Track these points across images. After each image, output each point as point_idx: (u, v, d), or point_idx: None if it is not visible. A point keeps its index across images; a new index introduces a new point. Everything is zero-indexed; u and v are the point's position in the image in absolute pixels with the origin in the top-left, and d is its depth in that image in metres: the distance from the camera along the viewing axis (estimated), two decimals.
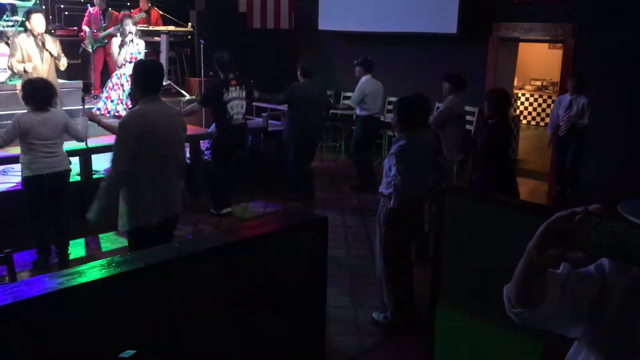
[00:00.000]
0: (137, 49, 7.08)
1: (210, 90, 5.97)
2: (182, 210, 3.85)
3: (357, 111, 7.47)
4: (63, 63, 6.66)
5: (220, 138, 6.13)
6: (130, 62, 7.06)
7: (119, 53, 6.94)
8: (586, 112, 6.71)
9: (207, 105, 6.30)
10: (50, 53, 6.45)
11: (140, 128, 3.45)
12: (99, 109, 6.95)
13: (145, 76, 3.56)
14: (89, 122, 5.81)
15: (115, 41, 7.01)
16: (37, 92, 4.57)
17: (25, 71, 6.31)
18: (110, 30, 8.68)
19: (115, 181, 3.50)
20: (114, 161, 3.49)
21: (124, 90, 6.98)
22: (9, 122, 6.36)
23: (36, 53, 6.38)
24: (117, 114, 6.97)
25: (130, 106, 6.98)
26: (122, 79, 7.01)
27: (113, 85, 7.03)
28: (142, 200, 3.53)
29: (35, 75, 6.34)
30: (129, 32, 6.97)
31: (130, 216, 3.56)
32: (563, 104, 6.92)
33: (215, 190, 6.33)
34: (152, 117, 3.50)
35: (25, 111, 4.66)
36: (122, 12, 8.49)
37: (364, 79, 7.26)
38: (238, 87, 5.99)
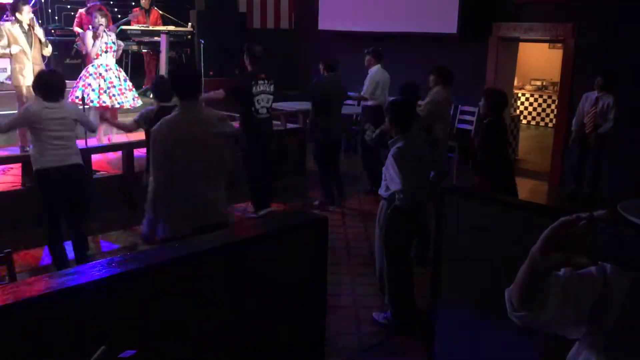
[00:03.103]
0: (110, 39, 7.11)
1: (239, 81, 5.79)
2: (224, 218, 3.65)
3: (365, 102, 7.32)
4: (48, 50, 6.92)
5: (246, 133, 5.86)
6: (106, 51, 7.05)
7: (93, 45, 6.98)
8: (611, 110, 6.63)
9: (234, 96, 5.89)
10: (39, 39, 6.66)
11: (169, 138, 3.35)
12: (76, 97, 6.91)
13: (177, 81, 3.48)
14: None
15: (89, 34, 7.04)
16: (49, 82, 4.51)
17: (10, 54, 6.48)
18: (124, 21, 8.84)
19: (157, 190, 3.44)
20: (153, 170, 3.41)
21: (104, 79, 6.99)
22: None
23: (23, 38, 6.55)
24: (103, 104, 6.94)
25: (114, 94, 6.99)
26: (99, 69, 7.01)
27: (91, 74, 7.02)
28: (174, 211, 3.45)
29: (22, 60, 6.47)
30: (99, 25, 7.00)
31: (164, 224, 3.48)
32: (589, 100, 6.86)
33: (253, 190, 6.05)
34: (185, 126, 3.38)
35: (35, 101, 4.60)
36: (91, 4, 8.50)
37: (374, 69, 7.11)
38: (266, 81, 5.80)
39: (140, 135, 5.74)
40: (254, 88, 5.71)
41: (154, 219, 3.49)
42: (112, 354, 1.50)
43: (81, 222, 4.84)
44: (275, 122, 8.08)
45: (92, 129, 5.12)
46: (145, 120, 5.02)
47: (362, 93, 7.21)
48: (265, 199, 6.14)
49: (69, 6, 9.88)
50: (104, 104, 6.94)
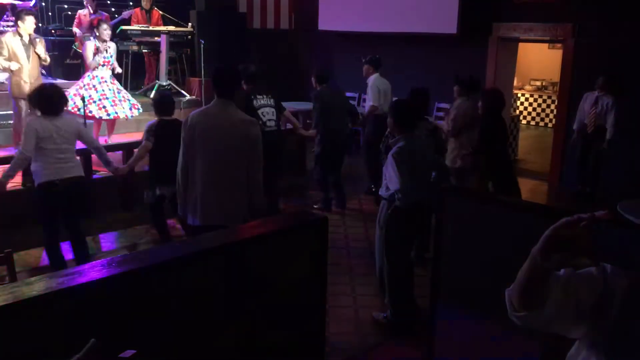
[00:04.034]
0: (109, 52, 7.09)
1: (239, 97, 5.80)
2: (235, 223, 3.59)
3: (367, 109, 7.28)
4: (47, 60, 6.90)
5: None
6: (103, 65, 7.03)
7: (93, 57, 6.95)
8: (610, 111, 6.64)
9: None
10: (38, 55, 6.62)
11: (192, 127, 3.55)
12: (70, 107, 6.91)
13: (217, 81, 3.67)
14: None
15: (90, 45, 6.99)
16: (50, 97, 4.52)
17: (10, 69, 6.43)
18: (118, 19, 8.84)
19: (179, 176, 3.68)
20: (180, 155, 3.67)
21: (96, 91, 6.97)
22: (9, 122, 6.35)
23: (22, 52, 6.52)
24: (89, 114, 6.90)
25: (104, 105, 6.96)
26: (94, 81, 7.00)
27: (84, 85, 6.99)
28: (194, 198, 3.60)
29: (20, 73, 6.46)
30: (104, 40, 6.96)
31: (187, 210, 3.68)
32: (589, 101, 6.88)
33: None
34: (213, 120, 3.55)
35: (35, 117, 4.65)
36: (96, 16, 8.49)
37: (373, 77, 7.07)
38: (265, 95, 5.79)
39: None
40: (254, 102, 5.70)
41: (183, 203, 3.71)
42: (112, 354, 1.50)
43: (79, 225, 4.86)
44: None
45: (94, 146, 4.96)
46: (151, 135, 5.06)
47: (368, 103, 7.14)
48: (271, 213, 6.08)
49: (68, 6, 9.88)
50: (90, 114, 6.91)
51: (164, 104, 5.18)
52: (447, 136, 5.84)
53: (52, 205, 4.61)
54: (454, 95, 6.06)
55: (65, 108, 5.15)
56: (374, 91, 7.00)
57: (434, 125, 5.38)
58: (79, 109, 6.83)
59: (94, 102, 6.94)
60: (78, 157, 5.28)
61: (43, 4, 9.56)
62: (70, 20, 9.38)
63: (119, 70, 7.58)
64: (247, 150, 3.56)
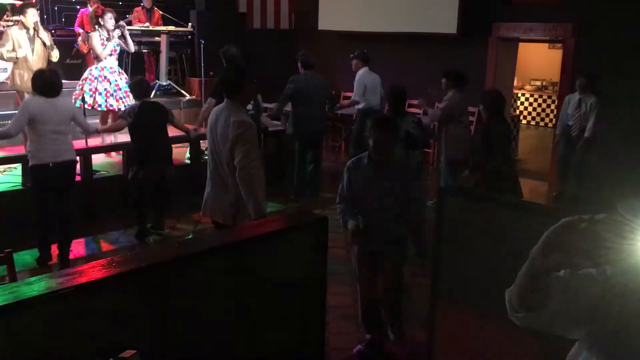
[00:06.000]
0: (116, 41, 7.09)
1: (216, 82, 5.92)
2: (227, 221, 3.61)
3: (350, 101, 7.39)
4: (55, 55, 6.83)
5: None
6: (111, 55, 7.02)
7: (104, 47, 6.93)
8: (592, 112, 6.57)
9: (217, 98, 5.87)
10: (43, 42, 6.61)
11: (209, 125, 3.69)
12: (84, 102, 6.88)
13: (223, 82, 3.68)
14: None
15: (96, 36, 6.97)
16: (48, 81, 4.62)
17: (16, 58, 6.46)
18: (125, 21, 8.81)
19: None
20: None
21: (110, 82, 6.96)
22: (9, 122, 6.33)
23: (27, 44, 6.53)
24: (110, 107, 6.91)
25: (121, 97, 6.96)
26: (104, 71, 6.97)
27: (96, 78, 6.97)
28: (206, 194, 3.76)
29: (25, 65, 6.47)
30: (111, 27, 6.96)
31: None
32: (572, 103, 6.83)
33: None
34: (212, 119, 3.70)
35: (32, 97, 4.78)
36: (99, 7, 8.46)
37: (361, 71, 7.19)
38: None
39: None
40: None
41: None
42: (112, 354, 1.51)
43: (69, 223, 5.00)
44: (276, 122, 8.09)
45: (87, 130, 5.23)
46: (130, 114, 5.22)
47: (352, 98, 7.27)
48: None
49: (69, 6, 9.88)
50: (111, 107, 6.90)
51: (143, 87, 5.38)
52: (434, 124, 5.95)
53: (43, 189, 4.77)
54: (442, 88, 6.14)
55: (82, 105, 5.29)
56: (360, 87, 7.14)
57: (418, 118, 5.43)
58: (99, 105, 6.84)
59: (111, 94, 6.93)
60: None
61: (43, 16, 9.56)
62: (70, 20, 9.38)
63: (132, 49, 7.50)
64: (233, 150, 3.54)
